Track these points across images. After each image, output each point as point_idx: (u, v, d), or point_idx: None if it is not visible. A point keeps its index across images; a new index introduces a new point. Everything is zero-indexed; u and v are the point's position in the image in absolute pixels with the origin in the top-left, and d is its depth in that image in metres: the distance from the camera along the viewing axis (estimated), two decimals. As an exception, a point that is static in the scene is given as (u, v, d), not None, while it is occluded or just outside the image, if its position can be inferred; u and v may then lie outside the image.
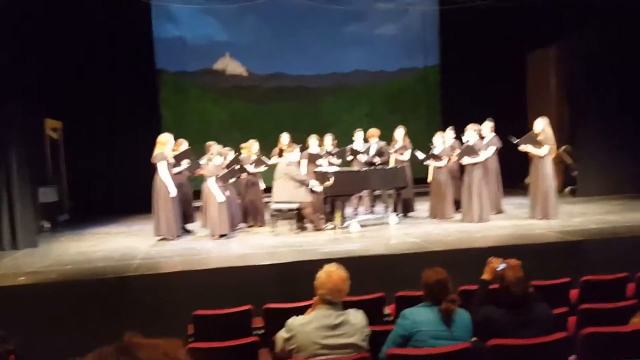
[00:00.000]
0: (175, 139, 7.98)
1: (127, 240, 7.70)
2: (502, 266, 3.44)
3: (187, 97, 12.75)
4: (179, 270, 5.65)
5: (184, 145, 8.03)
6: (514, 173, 10.01)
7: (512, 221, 7.88)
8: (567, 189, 10.89)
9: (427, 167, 8.75)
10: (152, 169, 7.38)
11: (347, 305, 3.18)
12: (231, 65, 13.03)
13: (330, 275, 2.90)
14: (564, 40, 11.03)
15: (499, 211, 8.65)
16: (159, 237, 7.36)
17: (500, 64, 11.94)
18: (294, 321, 2.89)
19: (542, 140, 7.60)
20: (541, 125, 7.72)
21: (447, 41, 13.24)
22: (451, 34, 12.94)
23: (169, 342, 1.14)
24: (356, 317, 2.94)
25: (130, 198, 10.32)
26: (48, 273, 5.79)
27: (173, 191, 7.25)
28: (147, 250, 6.79)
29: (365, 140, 9.17)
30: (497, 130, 8.72)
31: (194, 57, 12.64)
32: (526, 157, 8.06)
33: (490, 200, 8.15)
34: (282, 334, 2.91)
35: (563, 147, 11.01)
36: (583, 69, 10.36)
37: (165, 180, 7.24)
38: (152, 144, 7.49)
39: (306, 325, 2.84)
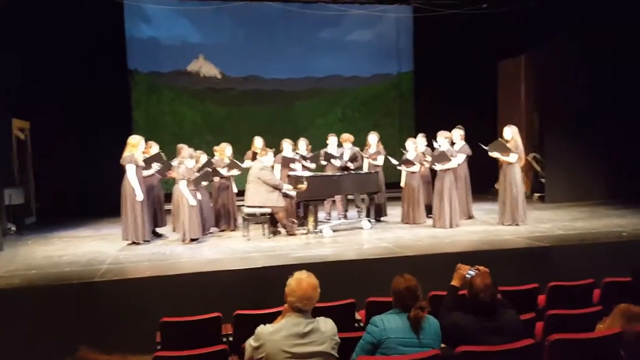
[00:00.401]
0: (148, 140, 7.85)
1: (95, 245, 7.54)
2: (471, 273, 3.47)
3: (160, 99, 12.58)
4: (147, 275, 5.54)
5: (154, 148, 7.91)
6: (482, 179, 10.16)
7: (481, 227, 7.99)
8: (536, 196, 11.10)
9: (398, 172, 8.83)
10: (122, 171, 7.24)
11: (318, 312, 3.16)
12: (205, 67, 12.92)
13: (301, 283, 2.87)
14: (534, 49, 11.26)
15: (469, 217, 8.77)
16: (128, 242, 7.22)
17: (472, 72, 12.14)
18: (262, 330, 2.85)
19: (511, 147, 7.73)
20: (510, 133, 7.86)
21: (421, 48, 13.41)
22: (425, 42, 13.11)
23: (124, 357, 1.12)
24: (326, 325, 2.92)
25: (100, 200, 10.13)
26: (11, 278, 5.61)
27: (139, 195, 7.11)
28: (115, 255, 6.65)
29: (339, 144, 9.19)
30: (468, 137, 8.84)
31: (168, 58, 12.49)
32: (494, 164, 8.19)
33: (460, 206, 8.25)
34: (250, 343, 2.87)
35: (532, 155, 11.23)
36: (552, 78, 10.58)
37: (133, 183, 7.10)
38: (123, 146, 7.35)
39: (275, 334, 2.81)
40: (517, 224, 7.77)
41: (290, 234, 7.73)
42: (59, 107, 10.65)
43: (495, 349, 2.91)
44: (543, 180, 10.98)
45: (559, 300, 4.20)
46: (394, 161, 8.64)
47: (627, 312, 3.12)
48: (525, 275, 5.16)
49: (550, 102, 10.69)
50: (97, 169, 10.34)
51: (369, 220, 8.47)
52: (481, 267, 3.46)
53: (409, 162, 8.38)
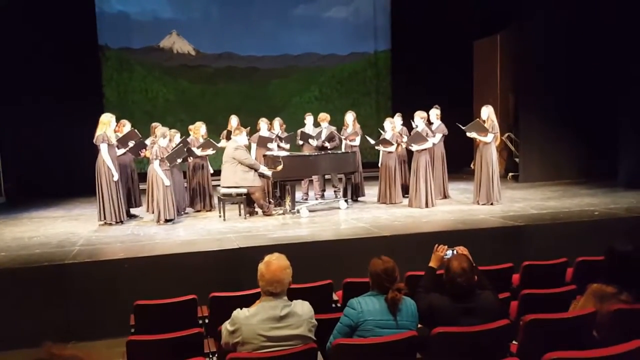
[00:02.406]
0: (120, 118, 7.66)
1: (66, 225, 7.37)
2: (449, 253, 3.48)
3: (132, 75, 12.29)
4: (121, 257, 5.43)
5: (126, 126, 7.72)
6: (458, 159, 10.21)
7: (457, 206, 8.05)
8: (510, 175, 11.24)
9: (376, 151, 8.81)
10: (95, 149, 7.06)
11: (295, 293, 3.12)
12: (178, 43, 12.64)
13: (269, 266, 2.82)
14: (509, 28, 11.27)
15: (445, 196, 8.83)
16: (101, 222, 7.08)
17: (448, 51, 12.12)
18: (238, 314, 2.81)
19: (488, 127, 7.78)
20: (486, 113, 7.90)
21: (398, 27, 13.32)
22: (402, 20, 13.02)
23: (89, 353, 1.07)
24: (302, 308, 2.89)
25: (72, 180, 9.92)
26: (-21, 261, 5.45)
27: (115, 174, 6.98)
28: (88, 236, 6.51)
29: (316, 124, 9.12)
30: (444, 116, 8.85)
31: (139, 33, 12.18)
32: (470, 144, 8.21)
33: (436, 185, 8.30)
34: (227, 327, 2.83)
35: (507, 134, 11.33)
36: (527, 58, 10.62)
37: (107, 162, 6.94)
38: (94, 124, 7.15)
39: (251, 318, 2.77)
40: (491, 204, 7.85)
41: (267, 214, 7.68)
42: (27, 84, 10.30)
43: (471, 330, 2.93)
44: (517, 160, 11.11)
45: (533, 279, 4.26)
46: (371, 141, 8.62)
47: (600, 292, 3.16)
48: (499, 255, 5.23)
49: (525, 82, 10.74)
50: (68, 147, 10.10)
51: (346, 200, 8.47)
52: (461, 248, 3.46)
53: (386, 142, 8.36)
